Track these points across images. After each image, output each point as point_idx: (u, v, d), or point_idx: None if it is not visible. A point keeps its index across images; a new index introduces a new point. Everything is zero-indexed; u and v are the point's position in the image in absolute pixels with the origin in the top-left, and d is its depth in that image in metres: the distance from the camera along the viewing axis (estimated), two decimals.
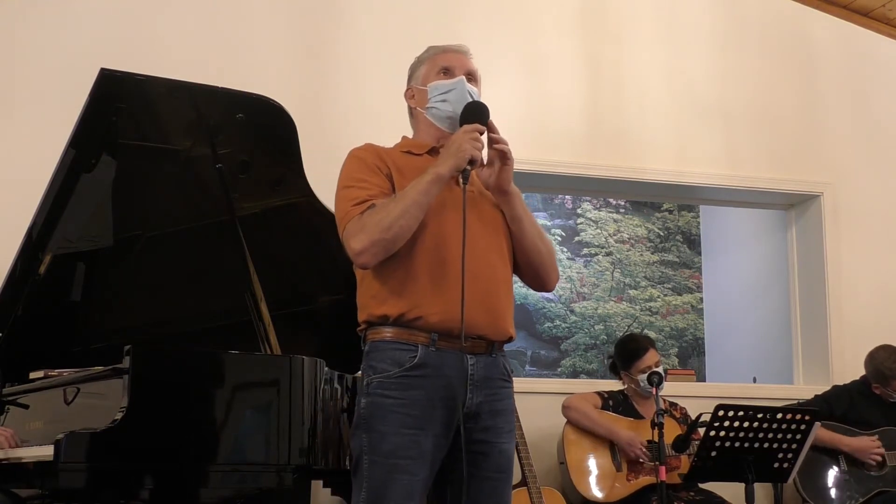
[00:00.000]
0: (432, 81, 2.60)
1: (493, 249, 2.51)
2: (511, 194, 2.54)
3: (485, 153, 2.49)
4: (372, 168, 2.50)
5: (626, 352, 4.34)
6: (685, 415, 4.34)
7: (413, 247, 2.41)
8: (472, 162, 2.39)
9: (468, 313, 2.33)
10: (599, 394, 4.34)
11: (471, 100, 2.54)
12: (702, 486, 4.18)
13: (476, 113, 2.49)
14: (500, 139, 2.50)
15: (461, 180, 2.40)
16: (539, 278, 2.63)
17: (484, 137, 2.47)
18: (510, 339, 2.54)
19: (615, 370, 4.42)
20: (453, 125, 2.52)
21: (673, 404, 4.39)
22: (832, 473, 4.41)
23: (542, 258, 2.60)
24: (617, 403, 4.30)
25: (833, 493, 4.39)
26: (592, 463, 4.19)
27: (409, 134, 2.70)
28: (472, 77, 2.61)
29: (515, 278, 2.65)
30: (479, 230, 2.48)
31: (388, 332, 2.43)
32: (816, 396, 4.61)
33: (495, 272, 2.49)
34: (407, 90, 2.68)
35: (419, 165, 2.47)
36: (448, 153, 2.41)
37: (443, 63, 2.62)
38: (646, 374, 4.07)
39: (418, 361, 2.40)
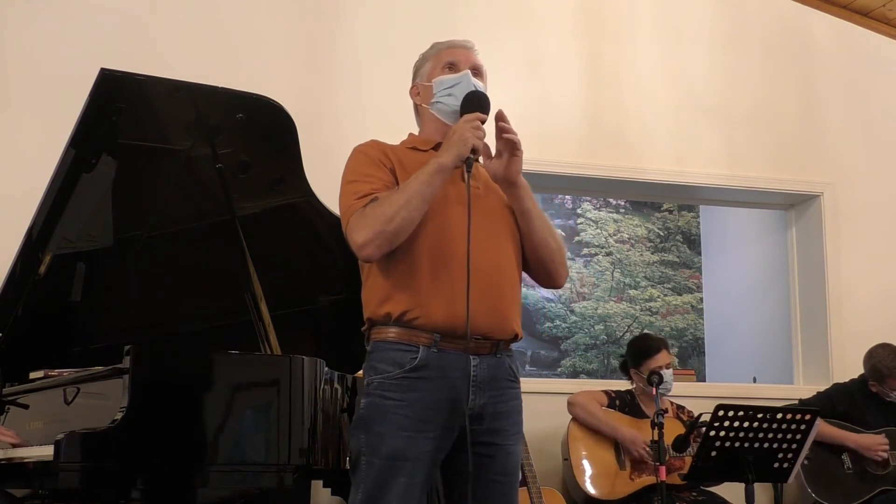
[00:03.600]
0: (437, 77, 2.57)
1: (498, 246, 2.46)
2: (520, 187, 2.49)
3: (492, 144, 2.46)
4: (375, 162, 2.46)
5: (638, 350, 4.33)
6: (693, 419, 4.32)
7: (416, 242, 2.37)
8: (474, 151, 2.36)
9: (471, 312, 2.29)
10: (606, 392, 4.33)
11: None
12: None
13: (476, 102, 2.45)
14: (509, 129, 2.46)
15: (465, 171, 2.36)
16: (548, 274, 2.57)
17: (489, 128, 2.43)
18: (516, 338, 2.48)
19: (625, 368, 4.40)
20: (458, 119, 2.47)
21: (681, 408, 4.38)
22: (836, 471, 4.41)
23: (553, 254, 2.54)
24: (623, 403, 4.29)
25: (837, 490, 4.39)
26: (596, 460, 4.19)
27: (412, 133, 2.69)
28: (477, 72, 2.58)
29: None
30: (485, 226, 2.42)
31: (390, 333, 2.39)
32: (818, 393, 4.61)
33: (500, 269, 2.44)
34: (412, 87, 2.65)
35: (423, 160, 2.42)
36: (450, 143, 2.37)
37: (448, 58, 2.58)
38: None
39: (419, 363, 2.35)
